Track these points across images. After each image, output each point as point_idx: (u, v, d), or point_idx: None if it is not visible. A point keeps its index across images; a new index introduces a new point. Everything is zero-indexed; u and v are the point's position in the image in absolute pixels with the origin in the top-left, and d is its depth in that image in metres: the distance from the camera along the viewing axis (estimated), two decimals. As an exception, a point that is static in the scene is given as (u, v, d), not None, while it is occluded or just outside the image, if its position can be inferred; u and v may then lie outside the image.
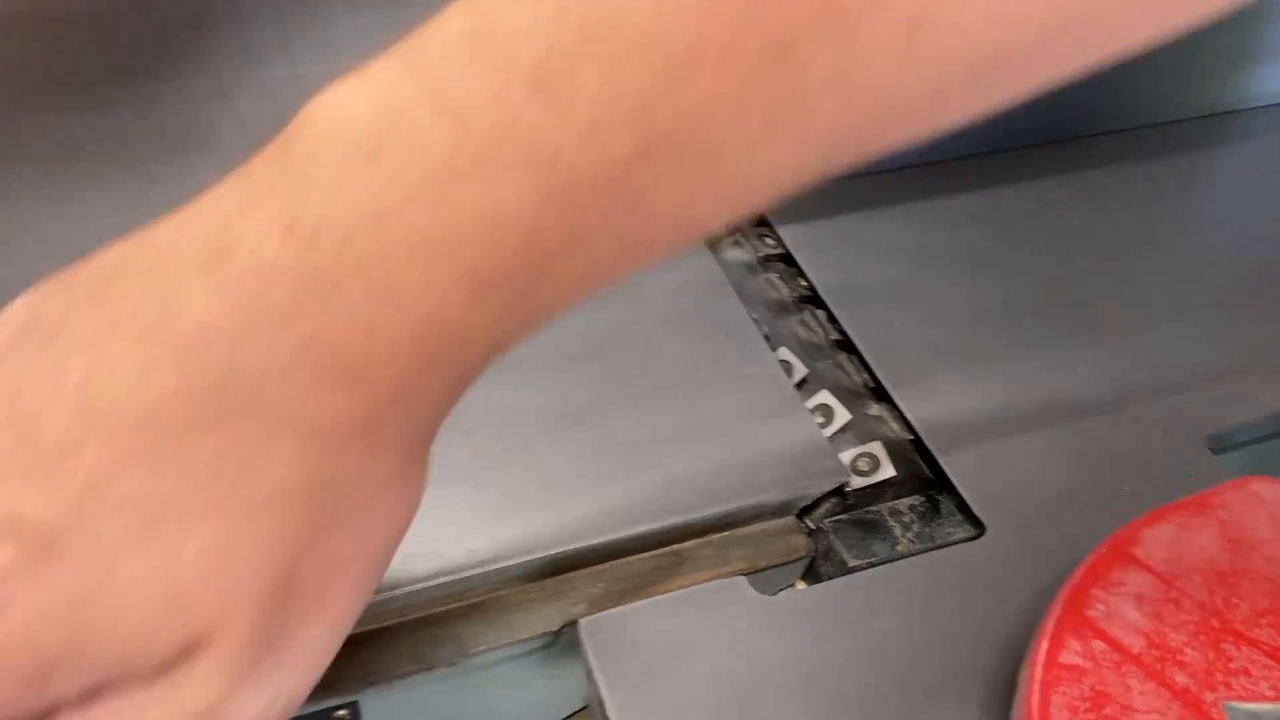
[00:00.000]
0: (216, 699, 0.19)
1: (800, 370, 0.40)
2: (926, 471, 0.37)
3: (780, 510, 0.35)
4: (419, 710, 0.33)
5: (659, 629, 0.31)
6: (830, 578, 0.34)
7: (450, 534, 0.32)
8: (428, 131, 0.18)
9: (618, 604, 0.32)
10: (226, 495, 0.19)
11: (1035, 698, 0.27)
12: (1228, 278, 0.46)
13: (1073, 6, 0.18)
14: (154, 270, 0.19)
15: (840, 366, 0.41)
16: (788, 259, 0.45)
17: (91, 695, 0.19)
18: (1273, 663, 0.28)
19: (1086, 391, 0.40)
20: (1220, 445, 0.39)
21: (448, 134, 0.17)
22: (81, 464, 0.18)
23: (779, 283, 0.45)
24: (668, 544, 0.34)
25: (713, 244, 0.45)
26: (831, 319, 0.42)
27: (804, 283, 0.44)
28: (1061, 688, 0.28)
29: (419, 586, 0.31)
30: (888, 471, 0.37)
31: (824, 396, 0.39)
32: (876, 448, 0.37)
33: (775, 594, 0.33)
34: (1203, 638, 0.29)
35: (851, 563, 0.34)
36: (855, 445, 0.38)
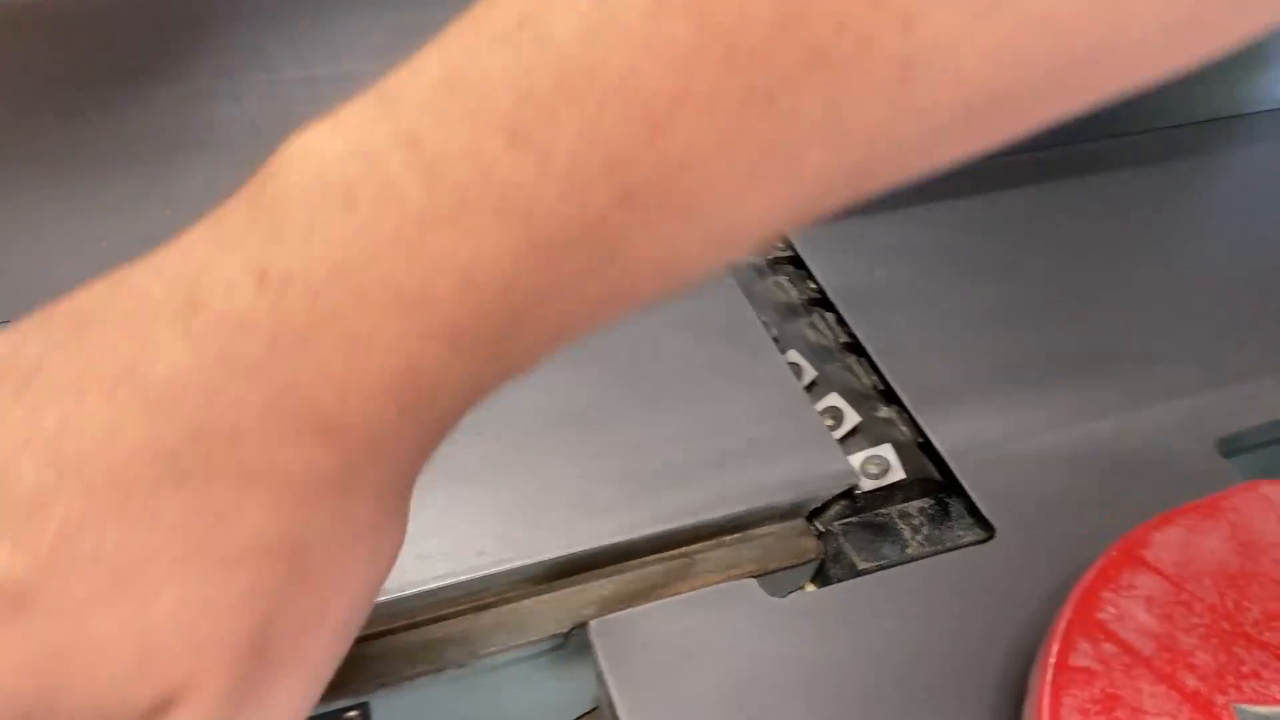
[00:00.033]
0: None
1: (809, 373, 0.40)
2: (936, 474, 0.37)
3: (790, 513, 0.35)
4: (429, 711, 0.33)
5: (669, 631, 0.31)
6: (840, 580, 0.34)
7: (461, 535, 0.32)
8: (402, 180, 0.17)
9: (628, 606, 0.32)
10: (199, 549, 0.18)
11: (1046, 700, 0.28)
12: (1236, 281, 0.46)
13: (1083, 45, 0.17)
14: (128, 316, 0.18)
15: (849, 369, 0.41)
16: (797, 261, 0.45)
17: None
18: (1284, 666, 0.28)
19: (1096, 394, 0.40)
20: (1230, 448, 0.39)
21: (422, 182, 0.17)
22: (53, 517, 0.18)
23: (788, 285, 0.45)
24: (678, 546, 0.34)
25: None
26: (841, 321, 0.42)
27: (813, 285, 0.44)
28: (1072, 690, 0.28)
29: (429, 588, 0.31)
30: (897, 474, 0.37)
31: (833, 399, 0.39)
32: (886, 450, 0.37)
33: (785, 596, 0.33)
34: (1213, 640, 0.29)
35: (861, 565, 0.34)
36: (865, 448, 0.38)
